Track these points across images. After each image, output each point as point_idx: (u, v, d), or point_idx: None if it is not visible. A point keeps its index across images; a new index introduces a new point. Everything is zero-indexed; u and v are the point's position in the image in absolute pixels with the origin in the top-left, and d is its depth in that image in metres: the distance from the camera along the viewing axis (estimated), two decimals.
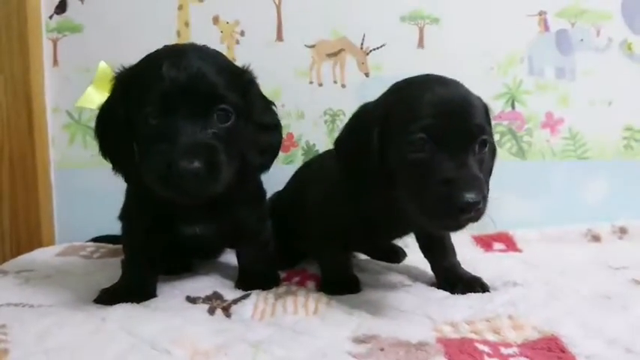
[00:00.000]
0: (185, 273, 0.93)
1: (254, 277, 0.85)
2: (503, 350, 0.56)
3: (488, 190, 0.67)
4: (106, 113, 0.76)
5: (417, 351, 0.56)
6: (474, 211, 0.61)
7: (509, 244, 1.12)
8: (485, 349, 0.56)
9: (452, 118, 0.65)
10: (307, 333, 0.63)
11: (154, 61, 0.72)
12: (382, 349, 0.56)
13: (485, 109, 0.71)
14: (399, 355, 0.55)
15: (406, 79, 0.73)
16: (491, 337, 0.61)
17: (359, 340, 0.60)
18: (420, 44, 1.22)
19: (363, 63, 1.23)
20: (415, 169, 0.65)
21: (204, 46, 0.76)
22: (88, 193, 1.25)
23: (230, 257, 1.05)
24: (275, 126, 0.81)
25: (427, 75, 0.72)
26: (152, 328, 0.64)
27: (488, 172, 0.75)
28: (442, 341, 0.59)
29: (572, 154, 1.22)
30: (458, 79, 0.72)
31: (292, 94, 1.24)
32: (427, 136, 0.64)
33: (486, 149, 0.68)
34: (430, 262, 0.88)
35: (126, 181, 0.78)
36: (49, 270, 0.96)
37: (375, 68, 1.23)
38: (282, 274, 0.92)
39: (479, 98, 0.71)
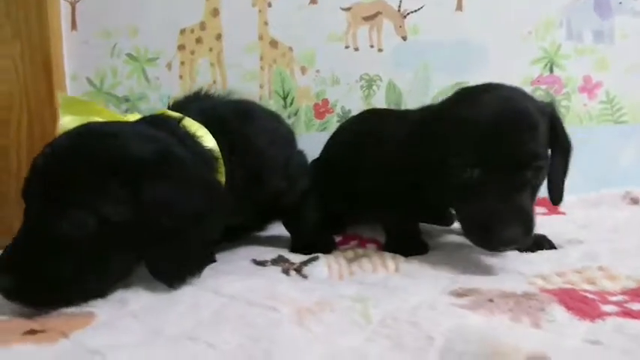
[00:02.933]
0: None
1: (308, 242, 0.83)
2: (611, 298, 0.56)
3: (533, 222, 0.65)
4: None
5: (528, 301, 0.54)
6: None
7: (551, 207, 1.12)
8: (593, 296, 0.56)
9: (505, 146, 0.63)
10: (400, 289, 0.61)
11: None
12: (491, 300, 0.55)
13: (551, 120, 0.69)
14: (510, 306, 0.54)
15: (466, 92, 0.72)
16: (588, 287, 0.60)
17: (458, 294, 0.59)
18: (459, 7, 1.19)
19: (400, 26, 1.20)
20: (461, 192, 0.66)
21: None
22: None
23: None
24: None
25: (488, 88, 0.70)
26: (237, 288, 0.61)
27: (562, 175, 0.74)
28: (546, 291, 0.58)
29: (610, 118, 1.23)
30: (518, 88, 0.71)
31: (327, 59, 1.20)
32: (475, 162, 0.64)
33: (542, 173, 0.67)
34: None
35: None
36: None
37: (413, 32, 1.20)
38: (339, 238, 0.90)
39: (541, 111, 0.67)
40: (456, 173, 0.66)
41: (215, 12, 1.19)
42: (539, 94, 1.22)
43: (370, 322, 0.51)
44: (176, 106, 0.75)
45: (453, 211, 1.03)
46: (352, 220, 1.00)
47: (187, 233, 0.59)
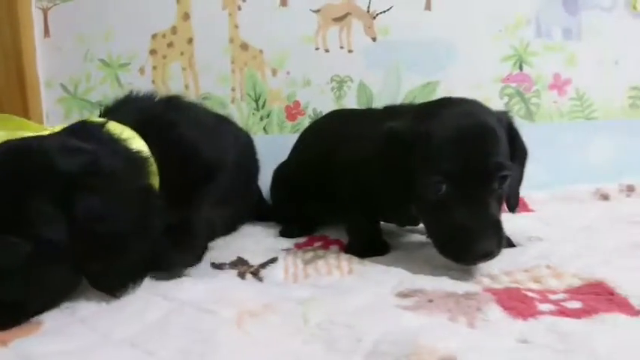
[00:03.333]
0: None
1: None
2: (551, 296, 0.57)
3: (502, 236, 0.65)
4: None
5: (467, 300, 0.55)
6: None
7: (521, 204, 1.12)
8: (534, 295, 0.57)
9: (470, 160, 0.64)
10: (349, 291, 0.62)
11: None
12: (431, 301, 0.56)
13: (509, 129, 0.70)
14: (449, 306, 0.54)
15: (427, 107, 0.73)
16: (533, 286, 0.61)
17: (403, 295, 0.59)
18: (427, 6, 1.20)
19: (369, 27, 1.20)
20: (431, 209, 0.67)
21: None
22: None
23: None
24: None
25: (447, 103, 0.71)
26: (188, 293, 0.62)
27: (518, 183, 0.76)
28: (489, 291, 0.58)
29: (580, 115, 1.23)
30: (475, 99, 0.71)
31: (298, 60, 1.21)
32: (444, 178, 0.64)
33: (507, 182, 0.67)
34: None
35: None
36: None
37: (382, 32, 1.20)
38: (304, 240, 0.91)
39: (500, 122, 0.69)
40: (423, 190, 0.66)
41: (186, 16, 1.20)
42: (509, 92, 1.22)
43: (309, 324, 0.52)
44: (106, 111, 0.74)
45: None
46: (322, 220, 1.00)
47: (124, 243, 0.59)
